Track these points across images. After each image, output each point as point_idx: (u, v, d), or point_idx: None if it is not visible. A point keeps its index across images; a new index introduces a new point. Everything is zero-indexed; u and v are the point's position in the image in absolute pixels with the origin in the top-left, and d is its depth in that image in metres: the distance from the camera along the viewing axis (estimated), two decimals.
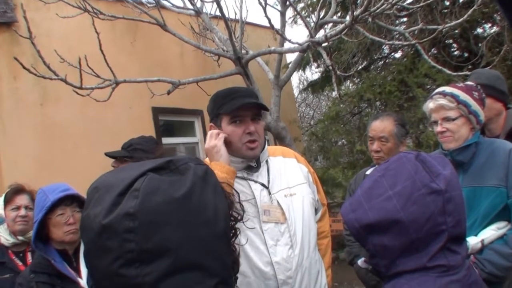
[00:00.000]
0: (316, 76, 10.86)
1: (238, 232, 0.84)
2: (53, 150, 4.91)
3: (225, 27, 4.92)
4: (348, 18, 4.21)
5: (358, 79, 7.64)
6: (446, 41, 6.90)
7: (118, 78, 4.52)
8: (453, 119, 1.99)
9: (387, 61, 8.02)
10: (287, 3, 5.58)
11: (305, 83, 11.52)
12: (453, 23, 4.87)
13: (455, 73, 4.78)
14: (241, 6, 5.37)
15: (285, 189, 1.92)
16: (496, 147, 1.99)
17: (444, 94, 2.02)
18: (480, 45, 6.12)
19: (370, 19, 4.37)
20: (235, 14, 5.57)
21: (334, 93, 6.62)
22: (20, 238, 2.51)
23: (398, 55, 7.79)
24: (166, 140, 6.40)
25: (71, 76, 4.07)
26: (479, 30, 7.00)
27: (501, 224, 1.92)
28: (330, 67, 4.35)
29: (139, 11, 5.39)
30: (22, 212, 2.51)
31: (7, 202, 2.54)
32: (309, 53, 5.88)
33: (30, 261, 2.42)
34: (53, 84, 4.42)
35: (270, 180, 1.91)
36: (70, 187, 2.09)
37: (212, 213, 0.73)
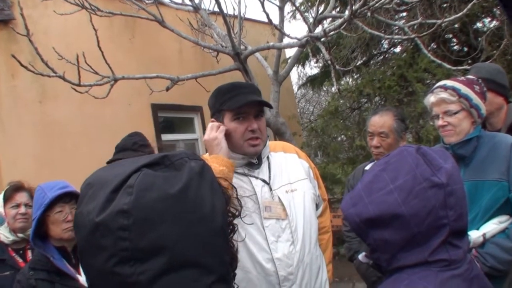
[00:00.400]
0: (315, 71, 10.85)
1: (236, 228, 0.83)
2: (53, 148, 4.91)
3: (223, 23, 4.90)
4: (347, 12, 4.18)
5: (358, 75, 7.62)
6: (446, 35, 6.87)
7: (117, 75, 4.50)
8: (454, 113, 1.98)
9: (386, 56, 7.99)
10: None
11: (304, 78, 11.50)
12: (453, 17, 4.84)
13: (454, 68, 4.75)
14: (239, 2, 5.35)
15: (286, 185, 1.91)
16: (498, 141, 1.98)
17: (445, 88, 2.00)
18: (479, 39, 6.08)
19: (369, 14, 4.34)
20: (234, 9, 5.55)
21: (334, 88, 6.61)
22: (20, 235, 2.51)
23: (397, 50, 7.77)
24: (165, 137, 6.39)
25: (69, 73, 4.06)
26: (479, 25, 6.97)
27: (503, 218, 1.91)
28: (329, 62, 4.33)
29: (137, 8, 5.36)
30: (22, 209, 2.51)
31: (6, 199, 2.54)
32: (308, 48, 5.86)
33: (30, 258, 2.42)
34: (51, 81, 4.41)
35: (271, 176, 1.89)
36: (68, 184, 2.08)
37: (209, 209, 0.71)
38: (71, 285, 1.97)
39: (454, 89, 1.98)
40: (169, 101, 6.03)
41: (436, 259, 0.98)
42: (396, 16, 6.73)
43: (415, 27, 5.37)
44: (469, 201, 1.48)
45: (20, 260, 2.46)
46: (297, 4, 5.75)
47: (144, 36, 6.07)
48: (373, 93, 6.63)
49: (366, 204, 1.01)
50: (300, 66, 8.74)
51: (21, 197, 2.54)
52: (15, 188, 2.56)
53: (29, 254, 2.50)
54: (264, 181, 1.87)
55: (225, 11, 5.01)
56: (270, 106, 1.93)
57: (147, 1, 5.60)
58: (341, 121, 7.27)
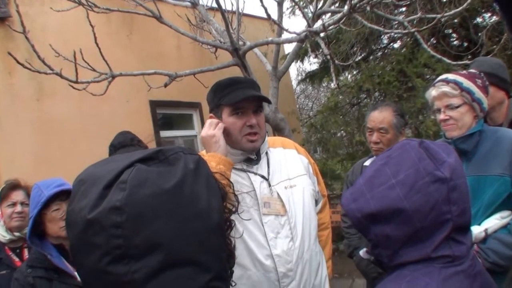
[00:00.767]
0: (314, 67, 10.82)
1: (233, 225, 0.80)
2: (50, 146, 4.89)
3: (222, 19, 4.87)
4: (346, 7, 4.15)
5: (357, 70, 7.59)
6: (446, 30, 6.84)
7: (114, 72, 4.48)
8: (456, 107, 1.95)
9: (386, 51, 7.96)
10: None
11: (303, 74, 11.46)
12: (453, 11, 4.80)
13: (454, 63, 4.72)
14: None
15: (285, 180, 1.89)
16: (500, 136, 1.95)
17: (447, 81, 1.98)
18: (479, 34, 6.05)
19: (368, 8, 4.31)
20: (232, 5, 5.52)
21: (333, 84, 6.58)
22: (17, 234, 2.50)
23: (397, 45, 7.74)
24: (164, 134, 6.38)
25: (66, 70, 4.03)
26: (479, 19, 6.93)
27: (505, 213, 1.89)
28: (329, 57, 4.31)
29: (134, 4, 5.32)
30: (18, 208, 2.49)
31: (2, 198, 2.52)
32: (307, 43, 5.82)
33: (27, 257, 2.41)
34: (49, 79, 4.38)
35: (270, 172, 1.88)
36: (65, 182, 2.07)
37: (205, 205, 0.68)
38: (70, 282, 1.96)
39: (456, 83, 1.95)
40: (168, 98, 6.01)
41: (439, 255, 0.96)
42: (396, 11, 6.70)
43: (415, 21, 5.33)
44: (471, 196, 1.46)
45: (17, 259, 2.46)
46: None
47: (142, 32, 6.04)
48: (372, 89, 6.60)
49: (367, 199, 0.99)
50: (299, 61, 8.71)
51: (17, 196, 2.52)
52: (11, 187, 2.55)
53: (26, 253, 2.49)
54: (263, 177, 1.85)
55: (223, 7, 4.97)
56: (269, 101, 1.91)
57: None
58: (341, 116, 7.25)
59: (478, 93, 1.95)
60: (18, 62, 3.66)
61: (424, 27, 4.72)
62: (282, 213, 1.82)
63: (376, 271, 2.42)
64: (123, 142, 2.73)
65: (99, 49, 4.02)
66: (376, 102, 6.37)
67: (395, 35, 6.88)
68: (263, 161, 1.90)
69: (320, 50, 5.60)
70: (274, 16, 4.89)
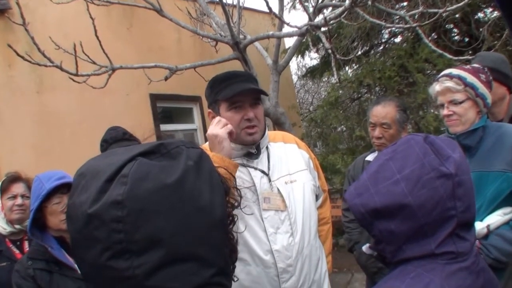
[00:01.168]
0: (314, 62, 10.79)
1: (236, 219, 0.79)
2: (51, 138, 4.88)
3: (222, 12, 4.84)
4: (347, 1, 4.12)
5: (358, 65, 7.56)
6: (447, 25, 6.80)
7: (114, 65, 4.46)
8: (460, 102, 1.94)
9: (386, 46, 7.92)
10: None
11: (304, 69, 11.44)
12: (454, 6, 4.77)
13: (456, 58, 4.70)
14: None
15: (285, 175, 1.88)
16: (504, 132, 1.94)
17: (451, 76, 1.96)
18: (481, 29, 6.02)
19: (369, 2, 4.28)
20: None
21: (334, 79, 6.56)
22: (17, 226, 2.49)
23: (398, 40, 7.70)
24: (164, 127, 6.37)
25: (66, 63, 4.01)
26: (480, 15, 6.89)
27: (507, 209, 1.88)
28: (330, 51, 4.28)
29: None
30: (19, 201, 2.49)
31: (3, 191, 2.52)
32: (308, 38, 5.79)
33: (27, 249, 2.41)
34: (49, 71, 4.36)
35: (270, 167, 1.86)
36: (66, 175, 2.06)
37: (207, 200, 0.67)
38: (70, 275, 1.96)
39: (460, 78, 1.93)
40: (168, 91, 5.99)
41: (442, 252, 0.95)
42: (397, 5, 6.67)
43: (416, 16, 5.30)
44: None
45: (17, 251, 2.46)
46: None
47: (142, 25, 6.01)
48: (373, 84, 6.58)
49: (372, 194, 0.98)
50: (299, 56, 8.68)
51: (18, 188, 2.52)
52: (12, 179, 2.54)
53: (26, 245, 2.49)
54: (263, 172, 1.84)
55: (224, 0, 4.94)
56: (265, 94, 1.89)
57: None
58: (341, 111, 7.23)
59: (482, 88, 1.93)
60: (18, 55, 3.64)
61: (426, 22, 4.69)
62: (282, 208, 1.81)
63: (376, 266, 2.42)
64: (116, 137, 2.72)
65: (99, 42, 4.00)
66: (378, 97, 6.35)
67: (396, 30, 6.83)
68: (264, 155, 1.88)
69: (321, 44, 5.57)
70: (275, 9, 4.85)
